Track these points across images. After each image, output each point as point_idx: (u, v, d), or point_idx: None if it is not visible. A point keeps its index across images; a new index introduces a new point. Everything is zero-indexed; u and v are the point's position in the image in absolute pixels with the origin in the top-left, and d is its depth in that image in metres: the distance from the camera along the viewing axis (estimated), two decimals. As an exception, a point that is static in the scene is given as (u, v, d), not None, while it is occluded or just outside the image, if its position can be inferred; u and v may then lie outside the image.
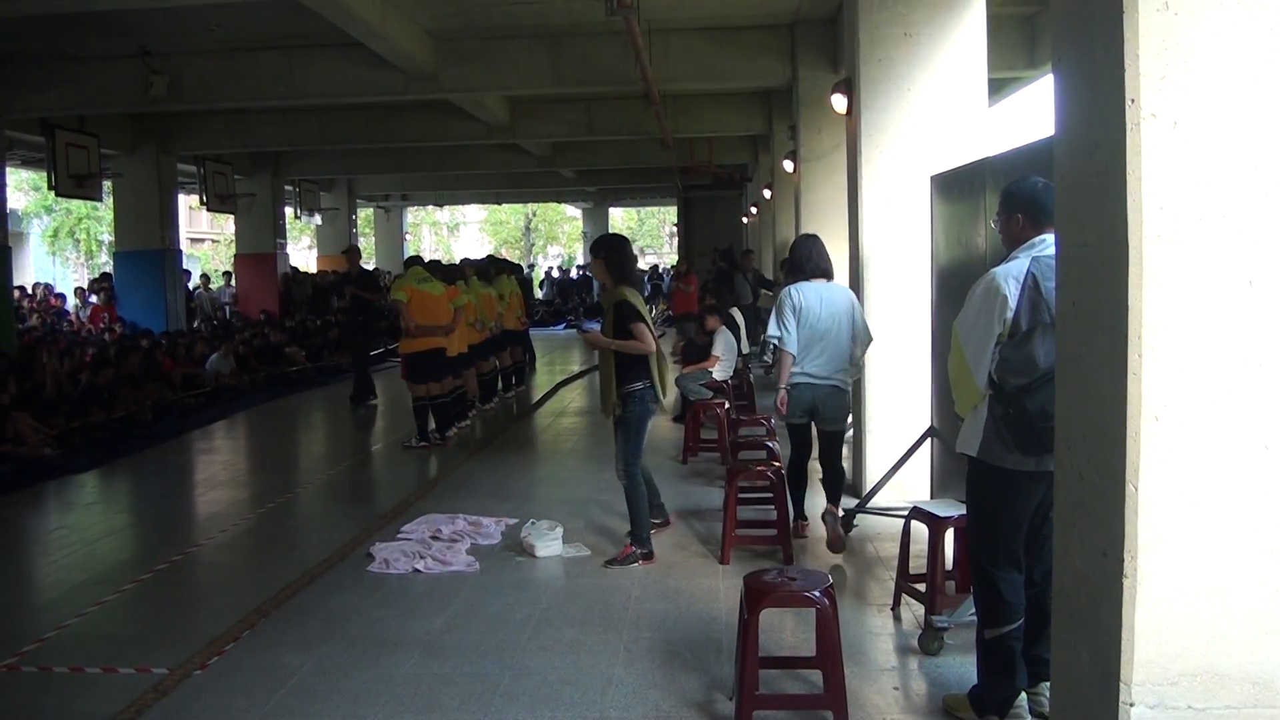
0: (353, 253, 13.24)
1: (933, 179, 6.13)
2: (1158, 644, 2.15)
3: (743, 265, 16.37)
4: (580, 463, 8.95)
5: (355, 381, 12.88)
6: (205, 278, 23.01)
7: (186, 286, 19.63)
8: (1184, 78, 2.09)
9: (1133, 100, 2.10)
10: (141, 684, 4.21)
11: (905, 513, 4.82)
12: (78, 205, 28.76)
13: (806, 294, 5.85)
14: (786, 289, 6.01)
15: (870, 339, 6.00)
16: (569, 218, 48.61)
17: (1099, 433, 2.28)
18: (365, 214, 33.39)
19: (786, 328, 5.81)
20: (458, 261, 13.48)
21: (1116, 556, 2.18)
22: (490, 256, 16.18)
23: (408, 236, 35.23)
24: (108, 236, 29.32)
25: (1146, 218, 2.10)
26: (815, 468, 6.19)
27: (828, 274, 5.96)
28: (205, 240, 42.03)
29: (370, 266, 30.02)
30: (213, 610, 5.20)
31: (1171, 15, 2.07)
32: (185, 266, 19.26)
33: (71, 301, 20.52)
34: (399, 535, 6.34)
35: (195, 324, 18.81)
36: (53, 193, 15.31)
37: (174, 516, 7.60)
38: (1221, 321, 2.11)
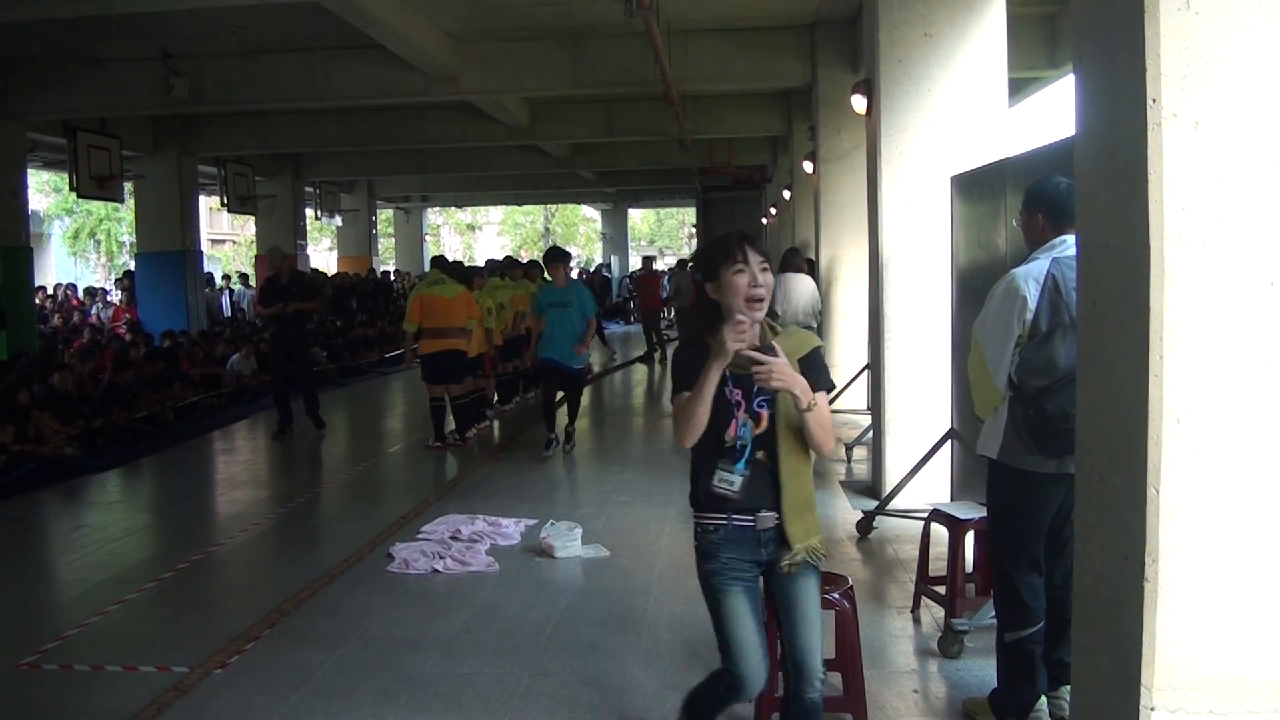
0: (274, 253, 10.92)
1: (953, 179, 6.10)
2: (1179, 648, 2.13)
3: None
4: (599, 463, 8.95)
5: (279, 407, 10.76)
6: (226, 278, 23.13)
7: (212, 284, 19.63)
8: (1206, 78, 2.06)
9: (1154, 100, 2.08)
10: (162, 682, 4.24)
11: (925, 515, 4.80)
12: (99, 206, 29.03)
13: (782, 281, 9.58)
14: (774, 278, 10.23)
15: (820, 308, 10.12)
16: (587, 218, 48.72)
17: (1120, 435, 2.26)
18: (385, 215, 33.54)
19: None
20: (481, 263, 13.35)
21: (1138, 560, 2.16)
22: (509, 258, 16.12)
23: (427, 238, 35.32)
24: (128, 238, 29.58)
25: (1168, 219, 2.08)
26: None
27: (800, 270, 9.98)
28: (226, 241, 42.36)
29: (390, 268, 30.18)
30: (233, 609, 5.24)
31: (1193, 15, 2.05)
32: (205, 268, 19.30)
33: (95, 307, 20.63)
34: (418, 535, 6.37)
35: (216, 324, 18.89)
36: (74, 194, 15.41)
37: (195, 516, 7.65)
38: (1243, 323, 2.09)
